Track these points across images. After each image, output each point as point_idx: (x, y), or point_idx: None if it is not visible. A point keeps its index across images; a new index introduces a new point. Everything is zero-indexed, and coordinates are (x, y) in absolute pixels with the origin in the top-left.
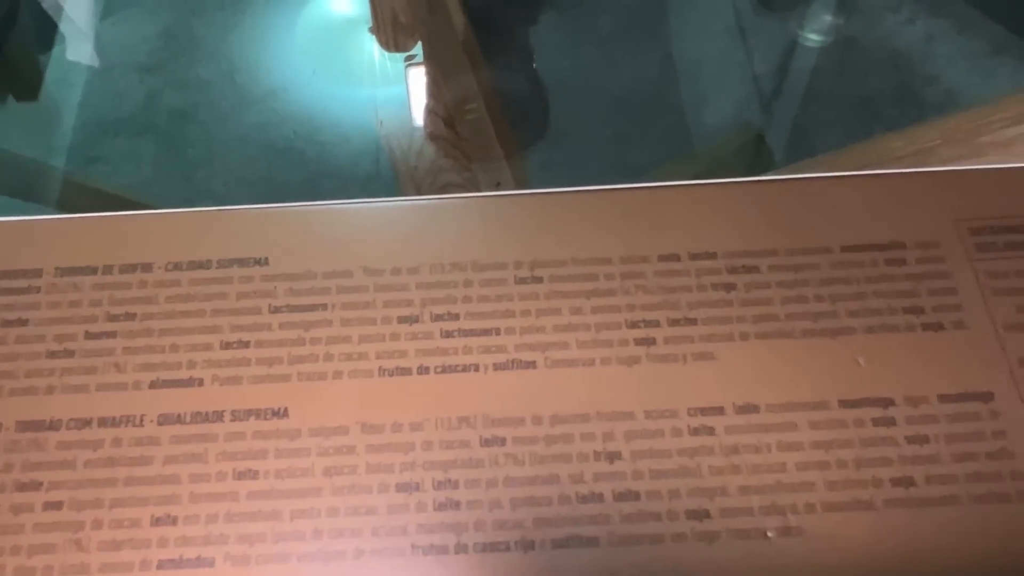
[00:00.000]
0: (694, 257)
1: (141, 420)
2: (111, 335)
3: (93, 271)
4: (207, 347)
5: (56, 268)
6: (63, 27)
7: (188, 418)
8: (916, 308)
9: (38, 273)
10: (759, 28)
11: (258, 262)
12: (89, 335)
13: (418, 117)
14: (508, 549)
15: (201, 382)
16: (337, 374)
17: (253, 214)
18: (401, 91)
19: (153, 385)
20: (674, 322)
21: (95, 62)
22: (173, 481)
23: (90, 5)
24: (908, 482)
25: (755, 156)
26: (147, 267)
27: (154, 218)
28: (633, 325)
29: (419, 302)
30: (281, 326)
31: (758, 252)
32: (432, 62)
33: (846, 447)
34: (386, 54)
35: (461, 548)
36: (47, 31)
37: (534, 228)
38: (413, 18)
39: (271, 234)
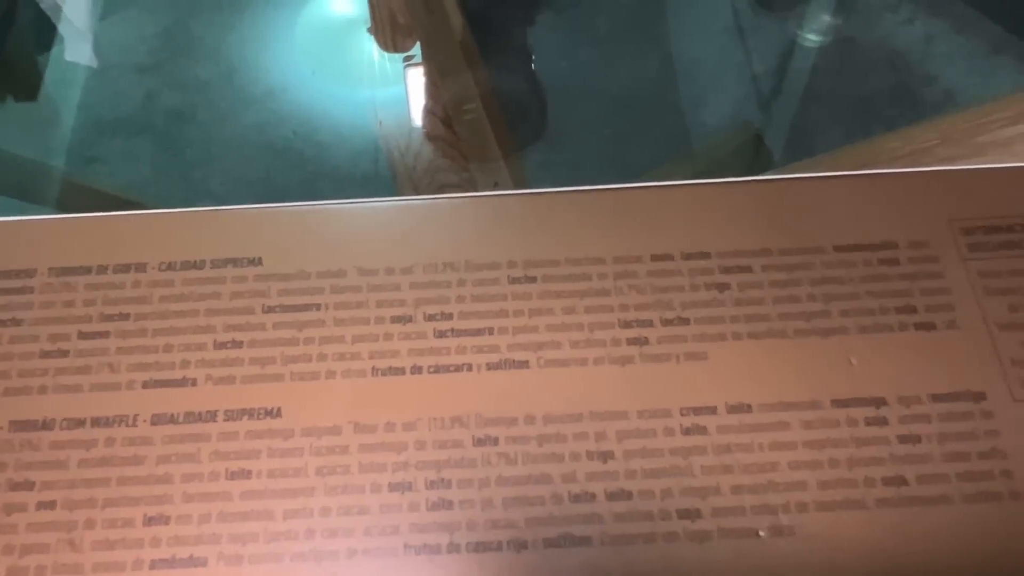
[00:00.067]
0: (687, 257)
1: (134, 420)
2: (105, 335)
3: (87, 271)
4: (200, 347)
5: (50, 268)
6: (62, 28)
7: (181, 418)
8: (909, 308)
9: (32, 273)
10: (758, 28)
11: (252, 262)
12: (83, 335)
13: (416, 117)
14: (500, 548)
15: (194, 382)
16: (330, 374)
17: (247, 214)
18: (400, 91)
19: (146, 385)
20: (667, 322)
21: (94, 63)
22: (166, 481)
23: (88, 6)
24: (900, 481)
25: (754, 156)
26: (141, 267)
27: (148, 218)
28: (626, 325)
29: (412, 302)
30: (274, 326)
31: (751, 252)
32: (430, 63)
33: (838, 447)
34: (385, 54)
35: (454, 547)
36: (46, 32)
37: (527, 228)
38: (411, 19)
39: (265, 234)
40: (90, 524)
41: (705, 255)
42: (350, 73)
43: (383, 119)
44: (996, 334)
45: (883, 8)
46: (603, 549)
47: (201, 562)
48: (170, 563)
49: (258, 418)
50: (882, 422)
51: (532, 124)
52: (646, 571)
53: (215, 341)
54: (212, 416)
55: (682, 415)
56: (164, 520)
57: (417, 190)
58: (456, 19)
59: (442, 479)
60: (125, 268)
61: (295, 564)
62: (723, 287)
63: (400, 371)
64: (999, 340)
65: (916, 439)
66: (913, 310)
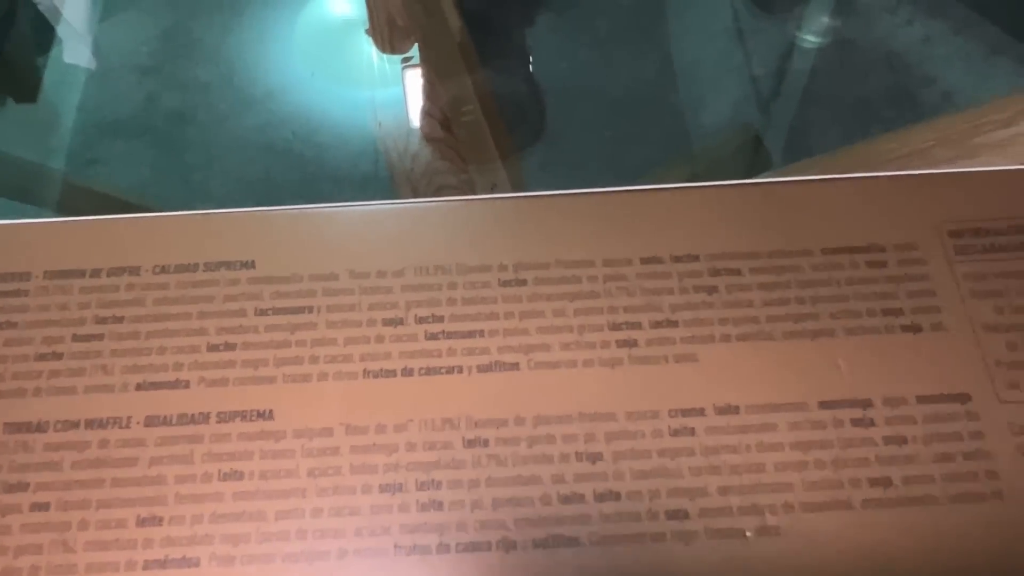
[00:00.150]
0: (676, 260)
1: (128, 422)
2: (99, 338)
3: (81, 274)
4: (193, 349)
5: (44, 271)
6: (61, 30)
7: (174, 419)
8: (895, 310)
9: (26, 276)
10: (757, 30)
11: (245, 265)
12: (77, 337)
13: (415, 119)
14: (490, 549)
15: (187, 384)
16: (322, 376)
17: (240, 217)
18: (399, 93)
19: (140, 387)
20: (656, 324)
21: (92, 65)
22: (159, 482)
23: (87, 8)
24: (886, 482)
25: (753, 157)
26: (135, 270)
27: (142, 221)
28: (615, 327)
29: (404, 304)
30: (267, 328)
31: (740, 255)
32: (428, 64)
33: (825, 448)
34: (384, 56)
35: (443, 548)
36: (44, 34)
37: (518, 231)
38: (409, 21)
39: (258, 237)
40: (84, 525)
41: (694, 258)
42: (350, 74)
43: (382, 120)
44: (982, 336)
45: (882, 10)
46: (591, 549)
47: (193, 563)
48: (163, 564)
49: (250, 420)
50: (868, 423)
51: (531, 126)
52: (634, 571)
53: (208, 343)
54: (205, 418)
55: (670, 417)
56: (157, 521)
57: (415, 192)
58: (454, 21)
59: (432, 480)
60: (119, 271)
61: (287, 565)
62: (712, 290)
63: (391, 373)
64: (985, 342)
65: (902, 440)
66: (900, 312)
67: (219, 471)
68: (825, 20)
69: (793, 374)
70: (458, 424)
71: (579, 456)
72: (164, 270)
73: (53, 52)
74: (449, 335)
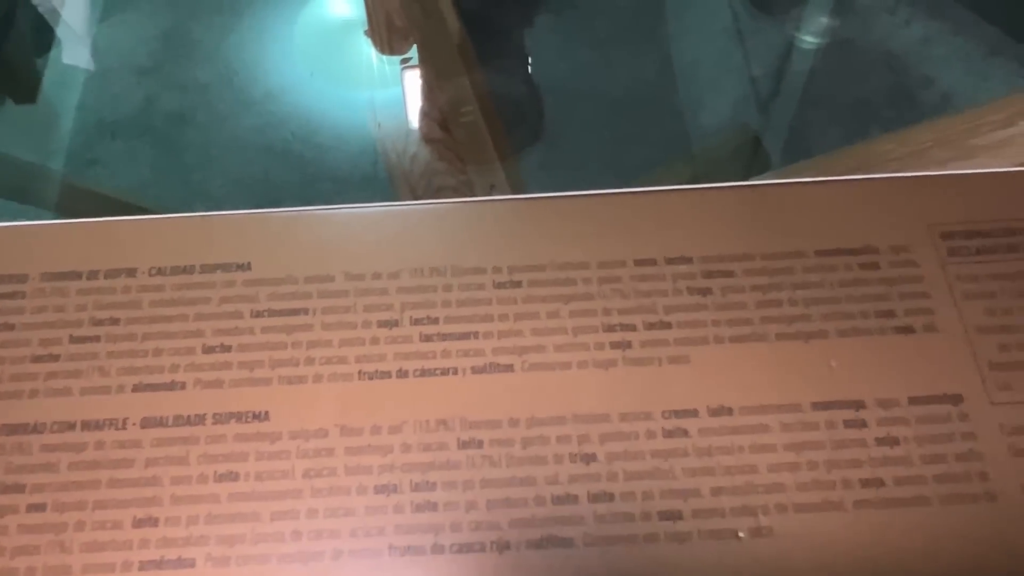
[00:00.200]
0: (670, 262)
1: (124, 423)
2: (95, 339)
3: (78, 276)
4: (190, 351)
5: (42, 273)
6: (60, 31)
7: (170, 421)
8: (888, 312)
9: (24, 278)
10: (756, 30)
11: (240, 267)
12: (74, 339)
13: (413, 120)
14: (484, 550)
15: (183, 385)
16: (317, 378)
17: (236, 220)
18: (398, 94)
19: (136, 388)
20: (650, 326)
21: (91, 66)
22: (155, 483)
23: (86, 10)
24: (878, 483)
25: (752, 158)
26: (131, 272)
27: (139, 224)
28: (609, 329)
29: (399, 306)
30: (263, 330)
31: (733, 257)
32: (427, 65)
33: (817, 449)
34: (383, 57)
35: (438, 549)
36: (44, 35)
37: (513, 233)
38: (407, 22)
39: (254, 240)
40: (80, 526)
41: (688, 260)
42: (349, 75)
43: (382, 121)
44: (973, 337)
45: (880, 10)
46: (585, 550)
47: (189, 563)
48: (158, 564)
49: (246, 421)
50: (861, 424)
51: (529, 126)
52: (627, 572)
53: (204, 345)
54: (201, 419)
55: (664, 418)
56: (153, 522)
57: (414, 193)
58: (452, 22)
59: (427, 481)
60: (116, 273)
61: (282, 565)
62: (705, 292)
63: (386, 375)
64: (976, 343)
65: (894, 441)
66: (892, 314)
67: (215, 472)
68: (824, 21)
69: (786, 375)
70: (453, 425)
71: (573, 457)
72: (160, 272)
73: (52, 53)
74: (444, 337)
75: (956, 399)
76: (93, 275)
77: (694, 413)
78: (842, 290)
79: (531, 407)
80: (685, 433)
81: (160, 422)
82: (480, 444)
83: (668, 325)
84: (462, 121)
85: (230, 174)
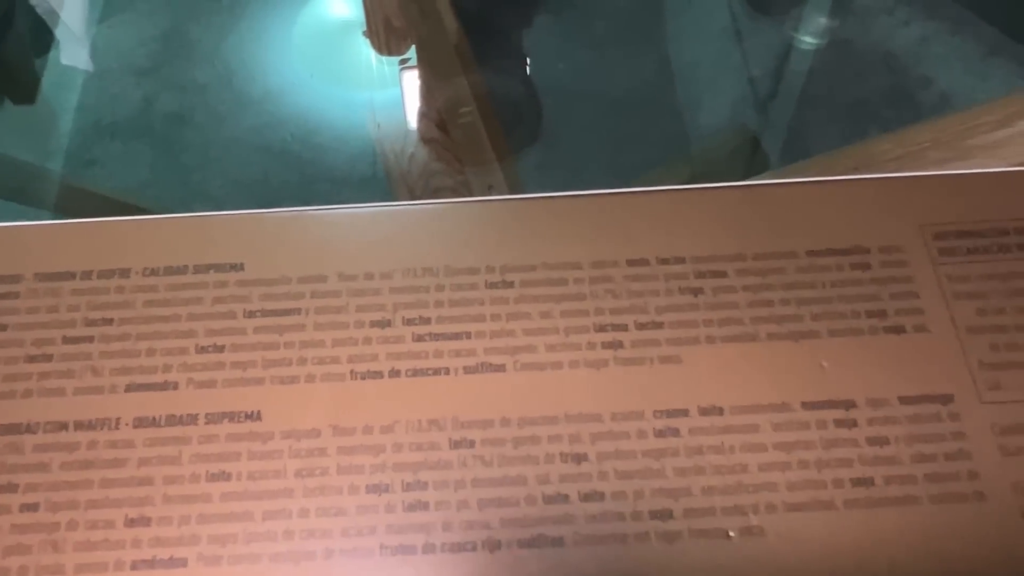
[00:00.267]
0: (662, 262)
1: (117, 423)
2: (88, 340)
3: (71, 276)
4: (182, 351)
5: (35, 274)
6: (59, 32)
7: (163, 421)
8: (879, 312)
9: (17, 279)
10: (754, 31)
11: (234, 267)
12: (67, 339)
13: (412, 120)
14: (475, 549)
15: (176, 385)
16: (310, 377)
17: (229, 220)
18: (397, 94)
19: (129, 389)
20: (641, 326)
21: (90, 67)
22: (147, 483)
23: (85, 11)
24: (868, 482)
25: (751, 158)
26: (125, 273)
27: (132, 224)
28: (601, 329)
29: (391, 306)
30: (255, 330)
31: (726, 257)
32: (425, 66)
33: (808, 448)
34: (383, 57)
35: (429, 548)
36: (43, 36)
37: (505, 233)
38: (405, 22)
39: (247, 240)
40: (72, 525)
41: (680, 260)
42: (348, 76)
43: (381, 122)
44: (964, 337)
45: (879, 10)
46: (576, 549)
47: (181, 563)
48: (151, 564)
49: (238, 421)
50: (851, 424)
51: (528, 127)
52: (618, 571)
53: (197, 345)
54: (193, 419)
55: (655, 417)
56: (145, 521)
57: (412, 193)
58: (450, 22)
59: (419, 481)
60: (109, 274)
61: (273, 564)
62: (697, 292)
63: (379, 375)
64: (967, 343)
65: (884, 441)
66: (883, 314)
67: (207, 472)
68: (822, 21)
69: (777, 375)
70: (444, 425)
71: (564, 457)
72: (154, 272)
73: (51, 54)
74: (436, 337)
75: (946, 399)
76: (86, 275)
77: (685, 413)
78: (833, 290)
79: (523, 407)
80: (676, 433)
81: (153, 422)
82: (472, 444)
83: (660, 325)
84: (460, 122)
85: (229, 175)
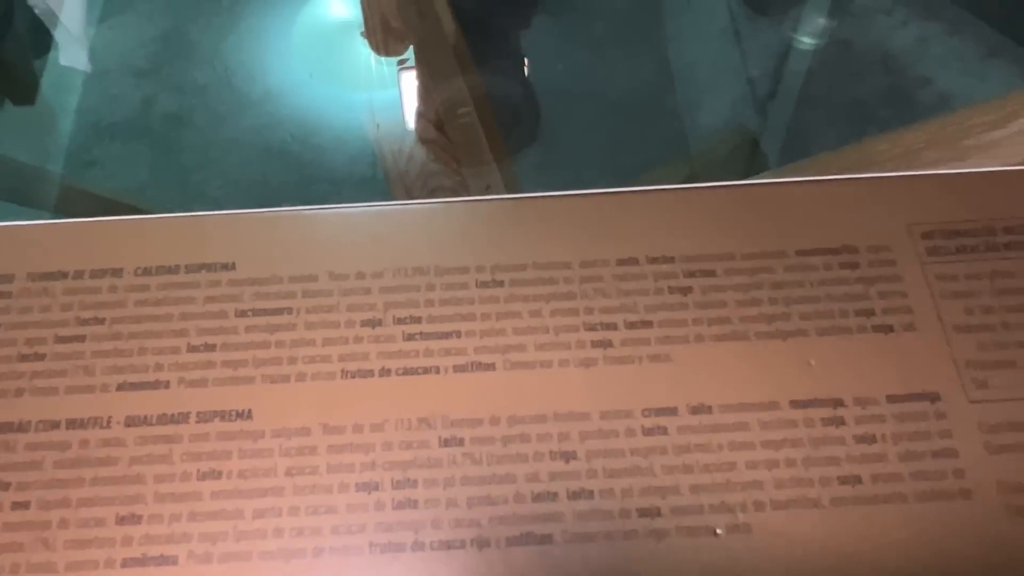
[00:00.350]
0: (652, 261)
1: (108, 422)
2: (80, 339)
3: (64, 276)
4: (174, 350)
5: (28, 273)
6: (57, 33)
7: (154, 419)
8: (867, 311)
9: (10, 278)
10: (753, 31)
11: (225, 267)
12: (59, 339)
13: (410, 121)
14: (464, 547)
15: (167, 384)
16: (300, 376)
17: (221, 220)
18: (396, 95)
19: (121, 387)
20: (631, 325)
21: (89, 68)
22: (138, 481)
23: (84, 12)
24: (855, 480)
25: (749, 159)
26: (117, 272)
27: (125, 224)
28: (591, 328)
29: (382, 306)
30: (247, 329)
31: (715, 256)
32: (423, 67)
33: (796, 446)
34: (383, 58)
35: (418, 546)
36: (42, 37)
37: (496, 233)
38: (403, 23)
39: (239, 240)
40: (64, 524)
41: (669, 259)
42: (348, 76)
43: (381, 123)
44: (952, 336)
45: (877, 11)
46: (564, 547)
47: (172, 560)
48: (141, 561)
49: (229, 420)
50: (839, 422)
51: (526, 128)
52: (606, 568)
53: (188, 344)
54: (184, 418)
55: (644, 416)
56: (136, 519)
57: (410, 194)
58: (448, 23)
59: (408, 479)
60: (101, 273)
61: (263, 562)
62: (686, 291)
63: (369, 373)
64: (954, 342)
65: (872, 439)
66: (871, 313)
67: (198, 470)
68: (821, 22)
69: (765, 374)
70: (434, 424)
71: (553, 455)
72: (146, 272)
73: (51, 55)
74: (426, 336)
75: (934, 397)
76: (79, 275)
77: (674, 411)
78: (822, 289)
79: (512, 405)
80: (664, 431)
81: (144, 421)
82: (461, 442)
83: (649, 324)
84: (458, 122)
85: (228, 175)
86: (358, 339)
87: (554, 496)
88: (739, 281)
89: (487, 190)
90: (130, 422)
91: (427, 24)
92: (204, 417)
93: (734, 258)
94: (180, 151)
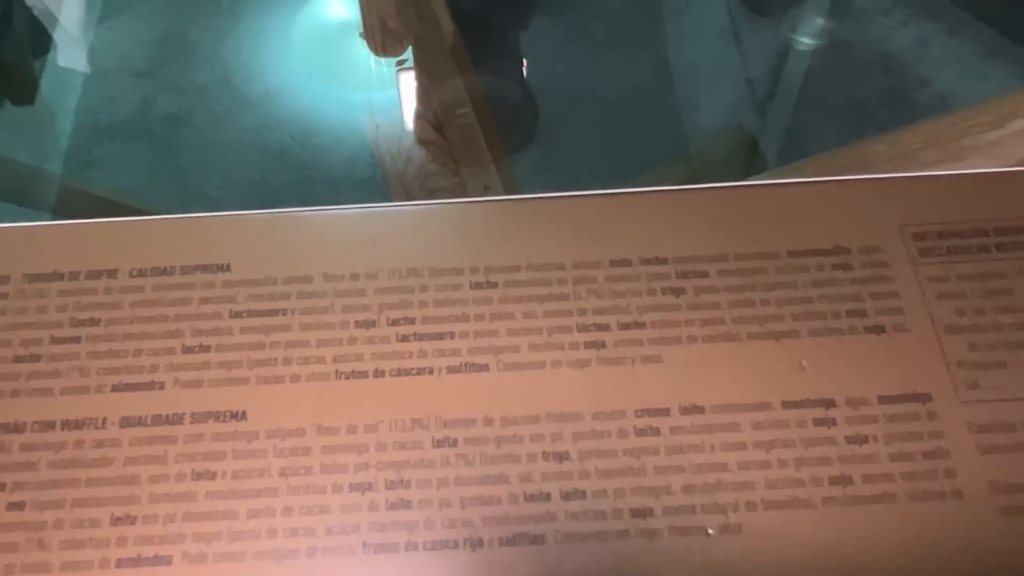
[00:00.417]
0: (645, 262)
1: (103, 422)
2: (76, 340)
3: (60, 277)
4: (169, 351)
5: (24, 275)
6: (56, 34)
7: (149, 420)
8: (859, 311)
9: (6, 280)
10: (752, 32)
11: (220, 268)
12: (55, 340)
13: (409, 122)
14: (457, 547)
15: (162, 385)
16: (295, 377)
17: (216, 221)
18: (395, 96)
19: (115, 388)
20: (624, 326)
21: (87, 68)
22: (133, 482)
23: (83, 12)
24: (846, 481)
25: (748, 159)
26: (112, 274)
27: (120, 226)
28: (584, 329)
29: (376, 307)
30: (241, 331)
31: (708, 257)
32: (421, 67)
33: (787, 447)
34: (381, 59)
35: (411, 546)
36: (41, 37)
37: (490, 234)
38: (401, 24)
39: (233, 241)
40: (59, 524)
41: (662, 261)
42: (347, 77)
43: (380, 123)
44: (943, 337)
45: (876, 12)
46: (557, 547)
47: (166, 560)
48: (136, 562)
49: (224, 420)
50: (830, 423)
51: (524, 128)
52: (598, 568)
53: (183, 345)
54: (179, 419)
55: (636, 416)
56: (131, 520)
57: (408, 194)
58: (447, 24)
59: (401, 479)
60: (97, 274)
61: (257, 562)
62: (679, 292)
63: (363, 374)
64: (946, 343)
65: (863, 439)
66: (863, 314)
67: (192, 471)
68: (820, 22)
69: (757, 374)
70: (427, 424)
71: (546, 455)
72: (141, 273)
73: (50, 56)
74: (420, 337)
75: (925, 398)
76: (74, 276)
77: (666, 412)
78: (814, 290)
79: (506, 406)
80: (657, 432)
81: (139, 421)
82: (455, 443)
83: (642, 325)
84: (457, 123)
85: (227, 176)
86: (352, 340)
87: (547, 496)
88: (732, 282)
89: (485, 191)
90: (125, 423)
91: (425, 25)
92: (199, 418)
93: (727, 259)
94: (179, 151)
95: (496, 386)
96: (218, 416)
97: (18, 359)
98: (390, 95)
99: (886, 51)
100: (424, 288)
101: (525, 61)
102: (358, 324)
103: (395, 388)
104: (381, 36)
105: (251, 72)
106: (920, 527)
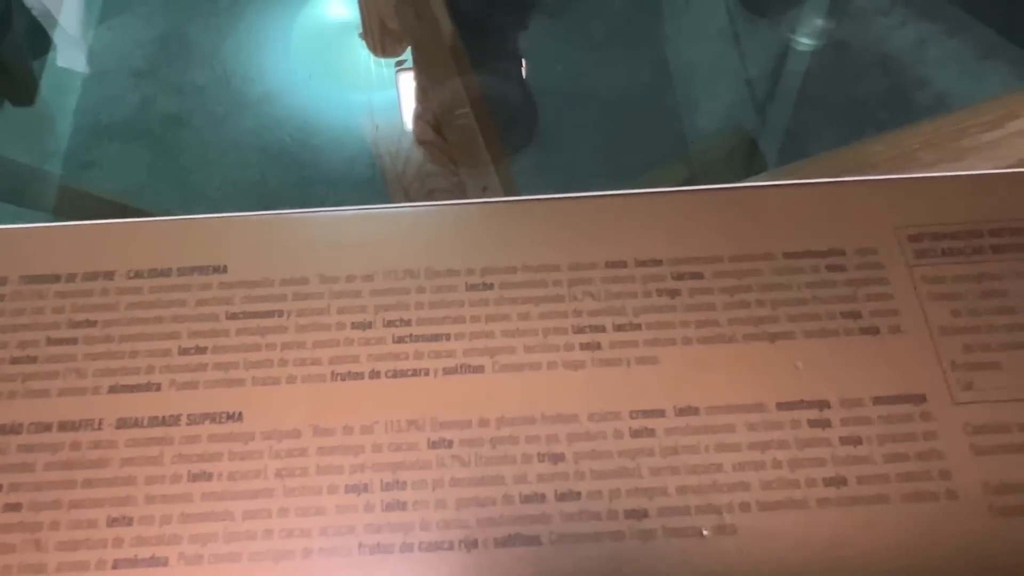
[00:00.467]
0: (640, 264)
1: (100, 424)
2: (72, 342)
3: (56, 279)
4: (165, 353)
5: (20, 276)
6: (56, 35)
7: (145, 422)
8: (854, 313)
9: (3, 282)
10: (752, 32)
11: (217, 270)
12: (51, 341)
13: (408, 122)
14: (452, 548)
15: (159, 387)
16: (291, 379)
17: (213, 223)
18: (394, 96)
19: (112, 390)
20: (619, 327)
21: (87, 69)
22: (129, 483)
23: (82, 13)
24: (840, 482)
25: (748, 160)
26: (109, 275)
27: (117, 227)
28: (579, 330)
29: (372, 308)
30: (238, 332)
31: (703, 259)
32: (420, 68)
33: (782, 448)
34: (381, 59)
35: (407, 547)
36: (40, 38)
37: (486, 236)
38: (400, 24)
39: (230, 243)
40: (55, 525)
41: (658, 262)
42: (347, 77)
43: (380, 124)
44: (938, 338)
45: (875, 12)
46: (552, 548)
47: (162, 562)
48: (132, 563)
49: (220, 422)
50: (825, 424)
51: (523, 129)
52: (593, 569)
53: (179, 347)
54: (175, 420)
55: (631, 418)
56: (127, 521)
57: (407, 195)
58: (446, 24)
59: (397, 481)
60: (93, 276)
61: (253, 563)
62: (674, 293)
63: (359, 376)
64: (941, 344)
65: (857, 441)
66: (858, 315)
67: (188, 472)
68: (819, 23)
69: (752, 376)
70: (423, 425)
71: (541, 457)
72: (138, 275)
73: (49, 56)
74: (416, 338)
75: (919, 399)
76: (71, 278)
77: (661, 413)
78: (809, 292)
79: (501, 407)
80: (652, 433)
81: (135, 423)
82: (450, 444)
83: (637, 326)
84: (456, 124)
85: (227, 176)
86: (348, 341)
87: (542, 497)
88: (727, 284)
89: (484, 191)
90: (121, 424)
91: (424, 25)
92: (195, 419)
93: (722, 261)
94: (179, 152)
95: (492, 387)
96: (214, 417)
97: (15, 360)
98: (389, 96)
99: (885, 52)
100: (420, 289)
101: (524, 62)
102: (354, 325)
103: (391, 389)
104: (380, 37)
105: (250, 72)
106: (915, 528)
